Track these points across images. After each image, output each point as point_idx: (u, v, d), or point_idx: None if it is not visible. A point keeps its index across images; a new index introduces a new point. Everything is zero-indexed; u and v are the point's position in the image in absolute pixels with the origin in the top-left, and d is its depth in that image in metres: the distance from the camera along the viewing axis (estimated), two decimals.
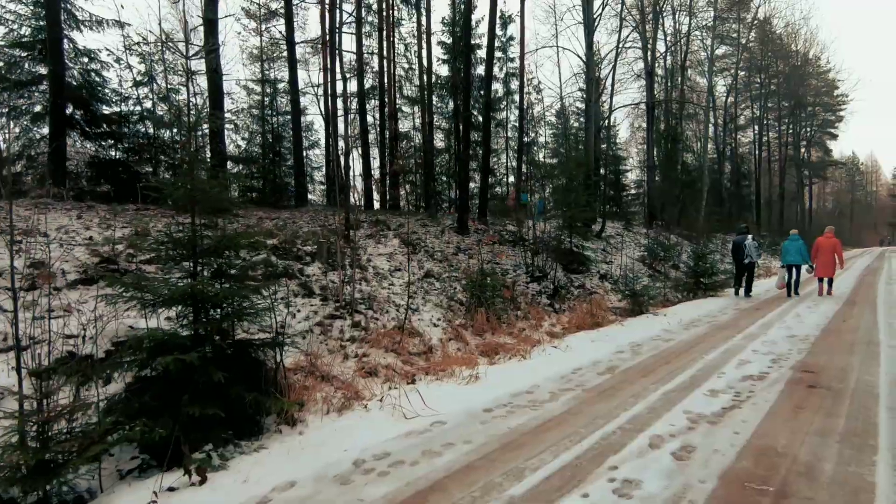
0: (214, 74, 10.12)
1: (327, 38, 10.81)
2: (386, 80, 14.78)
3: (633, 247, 15.77)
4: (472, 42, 20.40)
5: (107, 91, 10.77)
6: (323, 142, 15.81)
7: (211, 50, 9.96)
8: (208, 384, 3.17)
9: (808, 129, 40.09)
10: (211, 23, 10.11)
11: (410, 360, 5.36)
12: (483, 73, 20.70)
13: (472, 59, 20.43)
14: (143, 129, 11.46)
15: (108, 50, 11.34)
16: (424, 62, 14.34)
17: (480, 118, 22.12)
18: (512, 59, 22.77)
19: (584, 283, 10.27)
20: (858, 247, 43.99)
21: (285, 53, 14.37)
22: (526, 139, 23.64)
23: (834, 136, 42.87)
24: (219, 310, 3.67)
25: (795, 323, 7.15)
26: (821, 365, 4.82)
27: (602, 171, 20.33)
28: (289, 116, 13.57)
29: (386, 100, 14.50)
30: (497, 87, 21.28)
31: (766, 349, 5.50)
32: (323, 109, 10.87)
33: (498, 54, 21.12)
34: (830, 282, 10.28)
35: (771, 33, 32.38)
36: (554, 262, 9.88)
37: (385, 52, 14.10)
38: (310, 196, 16.87)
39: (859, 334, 6.29)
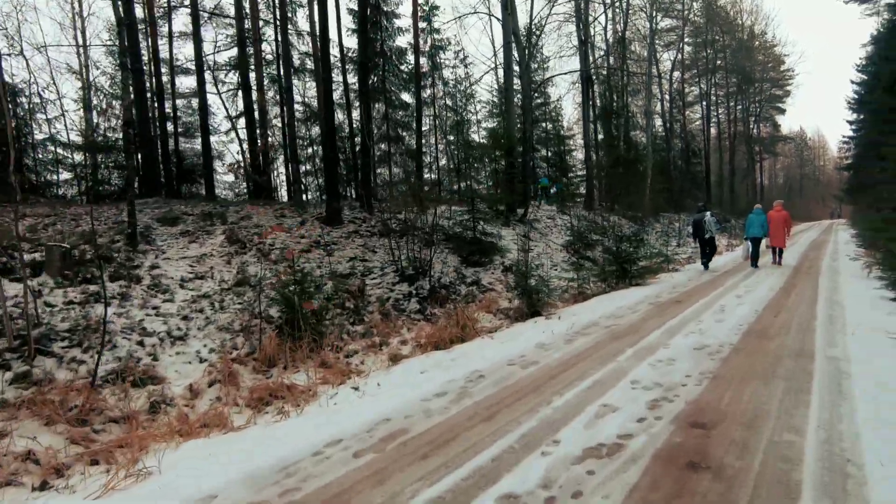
0: None
1: None
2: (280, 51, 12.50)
3: (563, 231, 14.12)
4: (388, 10, 18.37)
5: None
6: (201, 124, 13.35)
7: None
8: None
9: (757, 105, 39.77)
10: None
11: (92, 435, 3.31)
12: (400, 45, 18.74)
13: (390, 28, 18.43)
14: None
15: None
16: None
17: (406, 95, 20.17)
18: (438, 31, 20.73)
19: (480, 278, 8.43)
20: (809, 220, 44.30)
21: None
22: (456, 118, 21.76)
23: (782, 111, 42.97)
24: None
25: (714, 322, 5.47)
26: (721, 409, 3.05)
27: (534, 148, 18.63)
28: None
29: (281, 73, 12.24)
30: (422, 61, 19.25)
31: (655, 376, 3.72)
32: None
33: (422, 24, 19.18)
34: (781, 252, 10.66)
35: (715, 4, 31.46)
36: (432, 255, 7.97)
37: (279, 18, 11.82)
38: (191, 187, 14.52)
39: (790, 339, 4.63)
